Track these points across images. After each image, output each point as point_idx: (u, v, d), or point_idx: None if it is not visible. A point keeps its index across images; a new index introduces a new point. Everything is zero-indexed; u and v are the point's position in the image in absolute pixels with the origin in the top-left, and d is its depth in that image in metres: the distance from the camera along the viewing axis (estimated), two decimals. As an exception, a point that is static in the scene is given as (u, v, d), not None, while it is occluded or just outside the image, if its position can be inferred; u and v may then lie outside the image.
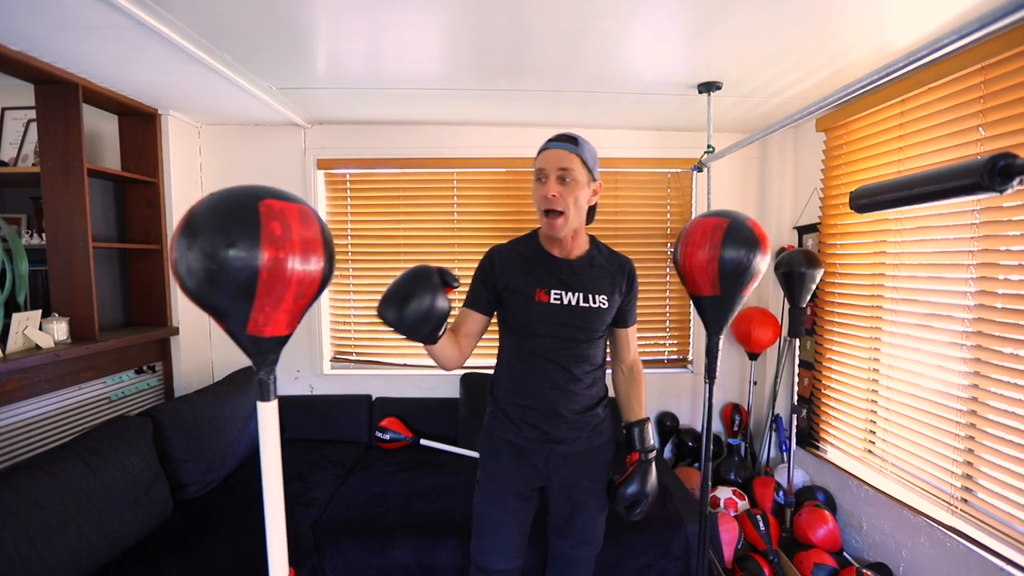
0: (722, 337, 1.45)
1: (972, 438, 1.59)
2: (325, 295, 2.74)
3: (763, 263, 1.28)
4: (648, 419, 1.37)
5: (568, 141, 1.22)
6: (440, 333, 1.08)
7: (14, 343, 1.69)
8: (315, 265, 0.76)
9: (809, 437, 2.38)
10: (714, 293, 1.32)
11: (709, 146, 2.15)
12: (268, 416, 0.82)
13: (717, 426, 2.82)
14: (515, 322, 1.30)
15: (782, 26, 1.51)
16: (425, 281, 1.01)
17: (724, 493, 2.30)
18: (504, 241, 1.38)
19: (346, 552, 1.78)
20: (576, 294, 1.27)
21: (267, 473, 0.82)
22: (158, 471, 1.83)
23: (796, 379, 2.28)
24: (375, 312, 1.04)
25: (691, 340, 2.82)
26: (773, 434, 2.57)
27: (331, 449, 2.47)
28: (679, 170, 2.71)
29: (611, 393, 1.43)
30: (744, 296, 1.32)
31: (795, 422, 2.24)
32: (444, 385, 2.73)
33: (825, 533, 2.01)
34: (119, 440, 1.72)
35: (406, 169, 2.68)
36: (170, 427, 1.93)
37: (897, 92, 1.81)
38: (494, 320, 1.36)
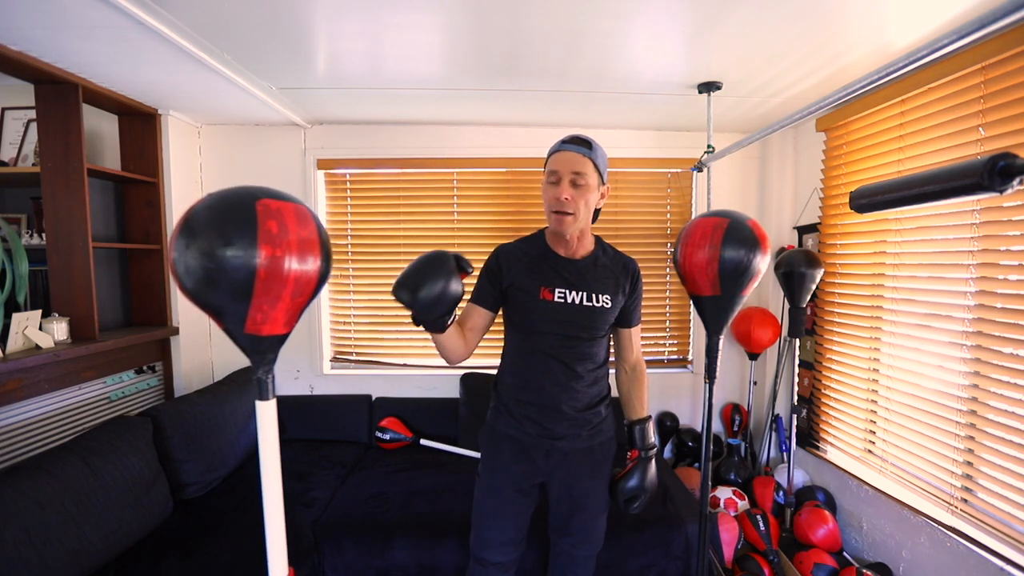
0: (722, 337, 1.45)
1: (972, 438, 1.59)
2: (325, 295, 2.73)
3: (763, 263, 1.28)
4: (650, 417, 1.39)
5: (583, 145, 1.23)
6: (450, 321, 1.12)
7: (14, 343, 1.69)
8: (312, 264, 0.76)
9: (809, 437, 2.38)
10: (714, 293, 1.32)
11: (709, 146, 2.15)
12: (266, 415, 0.82)
13: (717, 426, 2.82)
14: (520, 319, 1.33)
15: (782, 26, 1.51)
16: (441, 265, 1.04)
17: (724, 493, 2.30)
18: (504, 241, 1.40)
19: (346, 552, 1.78)
20: (580, 293, 1.29)
21: (266, 472, 0.82)
22: (158, 471, 1.83)
23: (796, 379, 2.28)
24: (390, 293, 1.06)
25: (691, 340, 2.82)
26: (773, 434, 2.57)
27: (331, 449, 2.47)
28: (679, 170, 2.71)
29: (614, 393, 1.44)
30: (744, 296, 1.32)
31: (795, 422, 2.24)
32: (444, 385, 2.72)
33: (825, 533, 2.01)
34: (119, 440, 1.72)
35: (406, 169, 2.68)
36: (170, 427, 1.93)
37: (897, 92, 1.81)
38: (498, 320, 1.38)
